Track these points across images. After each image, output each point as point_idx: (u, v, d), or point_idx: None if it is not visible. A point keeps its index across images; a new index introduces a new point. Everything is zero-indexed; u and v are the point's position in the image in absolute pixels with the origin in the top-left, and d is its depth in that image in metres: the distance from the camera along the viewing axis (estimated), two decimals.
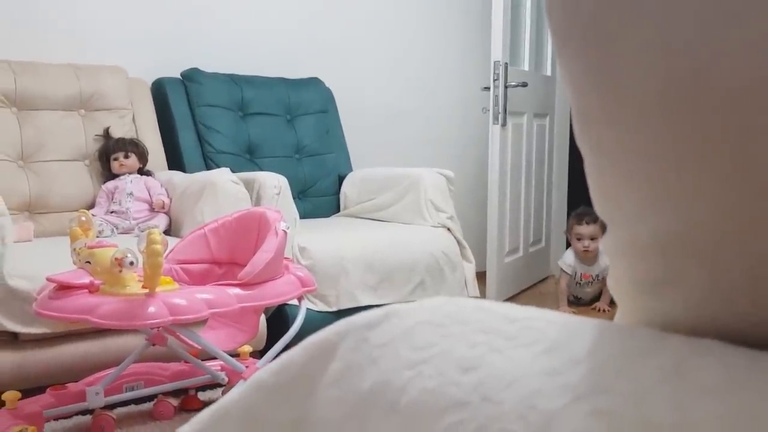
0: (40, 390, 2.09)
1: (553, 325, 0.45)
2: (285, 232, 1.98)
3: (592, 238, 3.47)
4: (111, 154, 2.76)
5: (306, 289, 2.03)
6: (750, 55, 0.33)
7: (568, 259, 3.63)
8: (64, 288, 1.76)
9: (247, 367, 1.95)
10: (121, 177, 2.74)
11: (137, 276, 1.76)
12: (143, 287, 1.72)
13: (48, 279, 1.76)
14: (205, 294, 1.76)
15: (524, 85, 3.59)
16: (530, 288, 4.14)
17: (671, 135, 0.39)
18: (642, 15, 0.37)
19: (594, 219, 3.41)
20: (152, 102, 3.07)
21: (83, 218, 1.86)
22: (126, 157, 2.75)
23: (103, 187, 2.74)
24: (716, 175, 0.38)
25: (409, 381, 0.42)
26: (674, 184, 0.40)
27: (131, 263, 1.73)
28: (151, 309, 1.66)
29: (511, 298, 3.76)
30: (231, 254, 2.12)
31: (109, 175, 2.77)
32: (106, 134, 2.81)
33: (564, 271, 3.63)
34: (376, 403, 0.42)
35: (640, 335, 0.42)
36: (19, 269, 2.09)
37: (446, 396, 0.40)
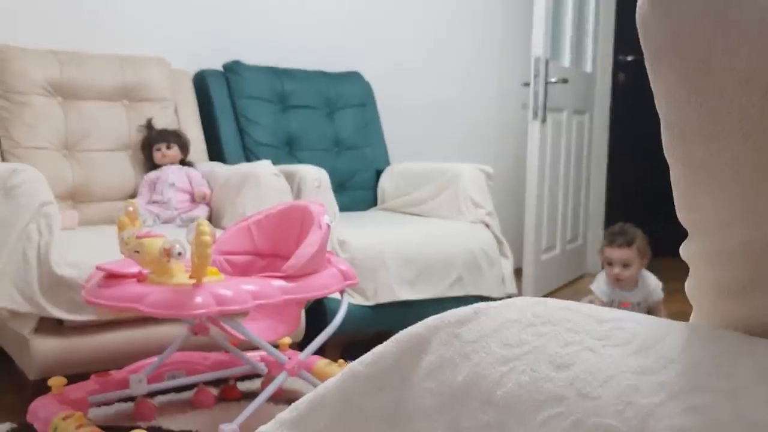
0: (84, 376, 2.13)
1: (641, 326, 0.47)
2: (329, 226, 2.00)
3: (625, 265, 2.77)
4: (153, 145, 2.78)
5: (348, 282, 2.04)
6: None
7: (601, 283, 2.92)
8: (112, 277, 1.80)
9: (289, 358, 1.98)
10: (163, 167, 2.76)
11: (184, 266, 1.79)
12: (190, 277, 1.75)
13: (98, 267, 1.80)
14: (250, 285, 1.78)
15: (564, 81, 3.59)
16: (566, 286, 4.13)
17: (766, 145, 0.41)
18: (742, 35, 0.39)
19: (629, 242, 2.75)
20: (194, 93, 3.10)
21: (131, 208, 1.89)
22: (168, 148, 2.78)
23: (145, 177, 2.77)
24: None
25: (503, 376, 0.45)
26: (765, 192, 0.42)
27: (179, 254, 1.76)
28: (198, 299, 1.68)
29: (548, 295, 3.76)
30: (274, 246, 2.14)
31: (151, 165, 2.80)
32: (149, 125, 2.84)
33: (597, 298, 2.88)
34: (470, 396, 0.45)
35: (730, 337, 0.44)
36: (66, 257, 2.13)
37: (542, 391, 0.43)
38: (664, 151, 0.49)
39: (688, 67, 0.43)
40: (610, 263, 2.81)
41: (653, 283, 2.83)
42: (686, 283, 0.55)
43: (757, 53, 0.39)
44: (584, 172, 4.33)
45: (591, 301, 2.85)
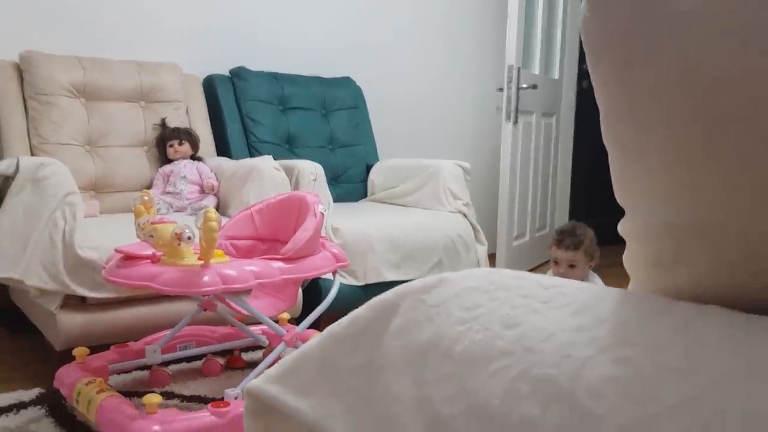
0: (104, 347, 2.14)
1: (580, 291, 0.49)
2: (323, 214, 2.00)
3: (571, 266, 2.42)
4: (167, 141, 2.79)
5: (340, 264, 2.05)
6: (757, 74, 0.36)
7: None
8: (129, 258, 1.80)
9: (287, 331, 1.99)
10: (176, 162, 2.76)
11: (193, 249, 1.80)
12: (199, 259, 1.75)
13: (116, 250, 1.80)
14: (252, 266, 1.78)
15: (534, 87, 3.60)
16: (534, 269, 4.15)
17: (686, 135, 0.42)
18: (667, 39, 0.40)
19: (576, 244, 2.40)
20: (203, 96, 3.10)
21: (146, 198, 1.89)
22: (180, 144, 2.78)
23: (160, 170, 2.77)
24: (721, 169, 0.41)
25: (460, 334, 0.46)
26: (685, 177, 0.43)
27: (189, 238, 1.76)
28: (206, 278, 1.68)
29: None
30: (274, 232, 2.14)
31: (165, 159, 2.80)
32: (163, 124, 2.84)
33: None
34: (433, 352, 0.46)
35: (654, 301, 0.45)
36: (88, 241, 2.13)
37: (493, 346, 0.44)
38: (603, 139, 0.50)
39: (619, 64, 0.44)
40: (556, 262, 2.47)
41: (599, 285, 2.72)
42: (623, 257, 0.56)
43: (677, 53, 0.40)
44: (551, 167, 4.34)
45: None
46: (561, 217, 4.52)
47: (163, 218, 1.82)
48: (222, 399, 1.76)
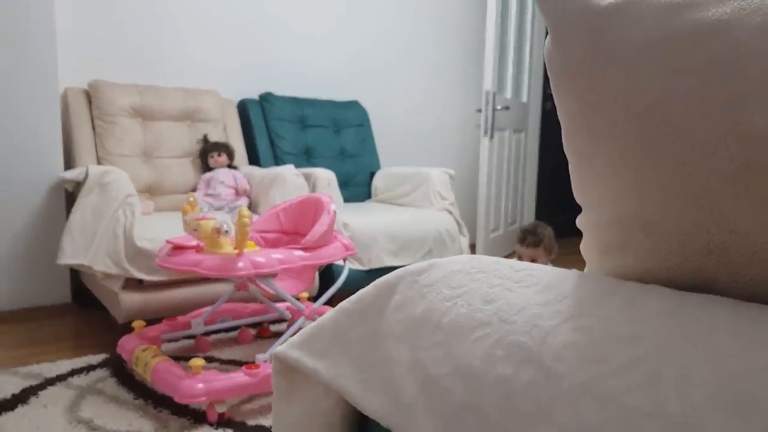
0: (158, 321, 2.14)
1: (545, 273, 0.48)
2: (335, 212, 2.00)
3: (533, 260, 2.25)
4: (208, 153, 2.78)
5: (349, 252, 2.04)
6: (682, 101, 0.36)
7: None
8: (178, 248, 1.80)
9: (306, 307, 1.98)
10: (215, 170, 2.76)
11: (230, 241, 1.80)
12: (234, 248, 1.75)
13: (167, 241, 1.80)
14: (277, 254, 1.78)
15: (507, 108, 3.59)
16: (507, 256, 4.14)
17: (629, 147, 0.42)
18: (613, 70, 0.40)
19: (536, 242, 2.28)
20: (238, 116, 3.10)
21: (191, 199, 1.89)
22: (219, 155, 2.78)
23: (203, 177, 2.77)
24: (659, 175, 0.41)
25: (448, 308, 0.46)
26: (630, 180, 0.43)
27: (226, 231, 1.76)
28: (240, 264, 1.68)
29: None
30: (295, 227, 2.14)
31: (206, 168, 2.80)
32: (205, 139, 2.83)
33: None
34: (425, 323, 0.46)
35: (606, 281, 0.45)
36: (144, 234, 2.14)
37: (475, 318, 0.44)
38: (564, 149, 0.50)
39: (576, 88, 0.44)
40: (520, 257, 2.31)
41: None
42: (581, 246, 0.56)
43: (619, 81, 0.40)
44: (521, 174, 4.33)
45: None
46: (529, 214, 4.52)
47: (205, 215, 1.82)
48: (253, 362, 1.75)
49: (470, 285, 0.48)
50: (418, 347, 0.45)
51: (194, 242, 1.79)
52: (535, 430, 0.36)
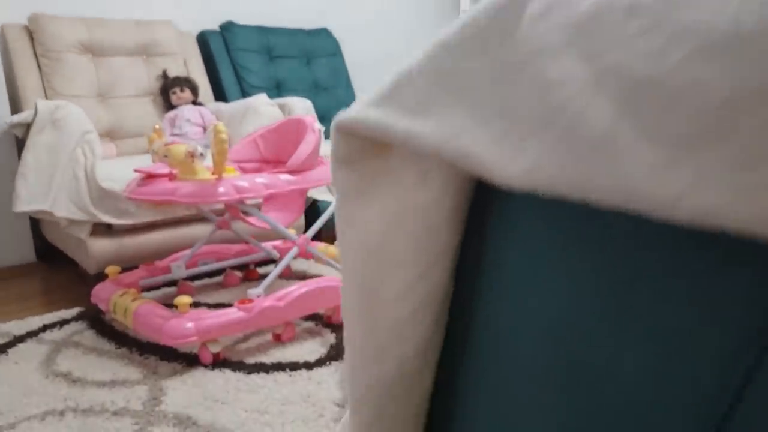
0: (133, 269, 1.96)
1: None
2: (320, 130, 1.84)
3: None
4: (169, 89, 2.55)
5: None
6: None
7: None
8: (149, 177, 1.62)
9: (298, 236, 1.83)
10: (179, 107, 2.55)
11: (206, 167, 1.63)
12: (213, 173, 1.58)
13: (135, 170, 1.62)
14: (262, 179, 1.62)
15: None
16: None
17: None
18: None
19: None
20: (198, 49, 2.86)
21: (157, 126, 1.71)
22: (182, 90, 2.55)
23: (166, 115, 2.55)
24: None
25: None
26: None
27: (201, 154, 1.59)
28: (221, 189, 1.52)
29: None
30: (277, 154, 1.97)
31: (169, 106, 2.58)
32: (164, 74, 2.61)
33: None
34: (608, 13, 0.27)
35: None
36: (109, 174, 1.94)
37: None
38: None
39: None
40: None
41: None
42: None
43: None
44: None
45: None
46: None
47: (175, 140, 1.64)
48: (246, 298, 1.60)
49: None
50: (605, 50, 0.27)
51: (166, 170, 1.62)
52: None
